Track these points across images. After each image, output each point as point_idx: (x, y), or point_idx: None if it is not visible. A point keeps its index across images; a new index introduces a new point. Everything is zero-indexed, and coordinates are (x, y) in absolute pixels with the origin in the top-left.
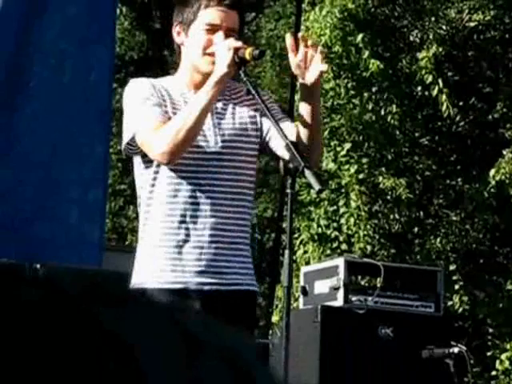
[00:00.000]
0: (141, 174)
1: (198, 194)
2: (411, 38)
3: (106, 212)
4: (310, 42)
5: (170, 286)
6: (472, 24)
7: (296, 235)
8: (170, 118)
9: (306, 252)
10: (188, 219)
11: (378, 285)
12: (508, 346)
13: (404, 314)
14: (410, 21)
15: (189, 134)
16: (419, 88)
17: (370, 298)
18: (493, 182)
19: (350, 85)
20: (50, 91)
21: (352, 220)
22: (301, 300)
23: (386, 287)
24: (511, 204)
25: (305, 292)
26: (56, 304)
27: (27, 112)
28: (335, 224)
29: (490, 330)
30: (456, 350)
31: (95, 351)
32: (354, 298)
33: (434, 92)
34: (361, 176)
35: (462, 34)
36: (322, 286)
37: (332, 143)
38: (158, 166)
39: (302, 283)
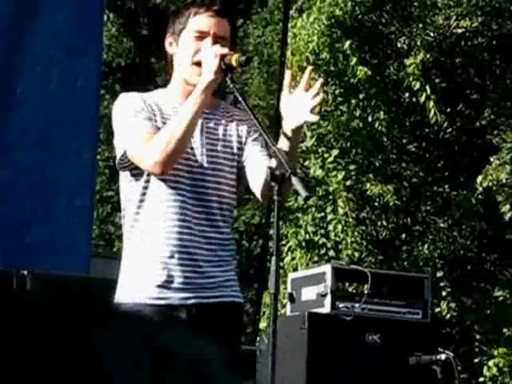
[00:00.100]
0: (129, 187)
1: (185, 212)
2: (399, 45)
3: (94, 218)
4: (318, 84)
5: (154, 301)
6: (459, 30)
7: (284, 242)
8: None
9: (293, 259)
10: (174, 235)
11: (366, 291)
12: (495, 353)
13: (391, 320)
14: (398, 27)
15: (179, 143)
16: (407, 94)
17: (357, 305)
18: (480, 189)
19: (337, 91)
20: (37, 98)
21: (339, 227)
22: (288, 307)
23: (374, 294)
24: (498, 211)
25: (292, 299)
26: (25, 310)
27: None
28: (323, 231)
29: (478, 337)
30: (443, 356)
31: (62, 355)
32: (341, 305)
33: (422, 98)
34: (348, 183)
35: (450, 40)
36: (309, 293)
37: (319, 150)
38: (148, 181)
39: (289, 290)
